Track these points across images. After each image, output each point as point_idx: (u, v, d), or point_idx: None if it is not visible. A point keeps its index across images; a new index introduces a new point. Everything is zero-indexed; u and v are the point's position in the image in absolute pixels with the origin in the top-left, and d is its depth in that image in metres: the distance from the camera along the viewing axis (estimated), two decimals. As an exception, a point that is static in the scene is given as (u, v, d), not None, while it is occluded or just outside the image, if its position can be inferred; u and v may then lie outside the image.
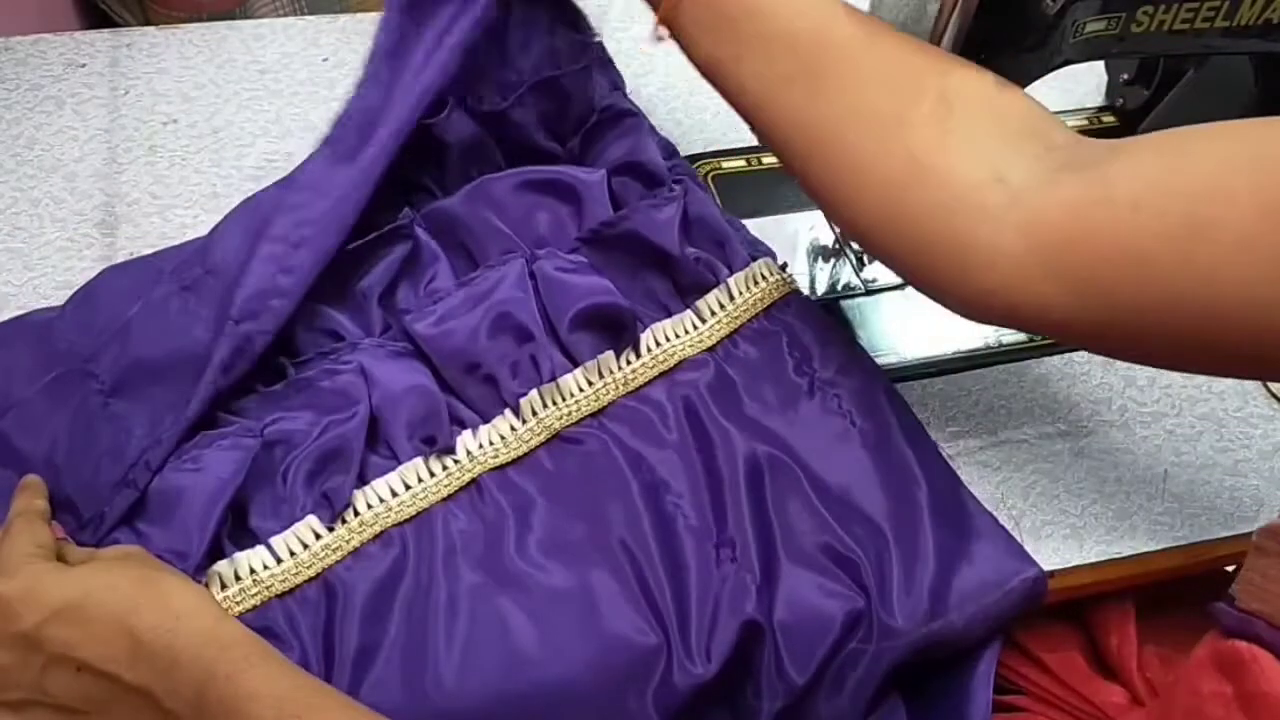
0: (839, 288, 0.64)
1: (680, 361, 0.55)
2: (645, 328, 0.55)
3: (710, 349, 0.55)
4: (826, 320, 0.58)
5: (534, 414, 0.52)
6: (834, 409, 0.54)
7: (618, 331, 0.54)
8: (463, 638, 0.46)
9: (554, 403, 0.53)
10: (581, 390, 0.53)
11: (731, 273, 0.57)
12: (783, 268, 0.59)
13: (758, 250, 0.59)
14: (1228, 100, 0.64)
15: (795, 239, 0.66)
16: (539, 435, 0.52)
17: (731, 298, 0.57)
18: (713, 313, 0.56)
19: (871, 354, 0.58)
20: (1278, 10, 0.54)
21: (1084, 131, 0.74)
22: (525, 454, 0.52)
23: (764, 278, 0.58)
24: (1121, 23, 0.53)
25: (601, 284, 0.54)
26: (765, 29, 0.48)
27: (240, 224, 0.55)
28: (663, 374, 0.54)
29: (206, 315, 0.52)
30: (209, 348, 0.50)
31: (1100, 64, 0.75)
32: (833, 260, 0.65)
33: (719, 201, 0.66)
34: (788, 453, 0.52)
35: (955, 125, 0.44)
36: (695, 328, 0.56)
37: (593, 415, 0.53)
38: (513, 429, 0.52)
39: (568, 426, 0.52)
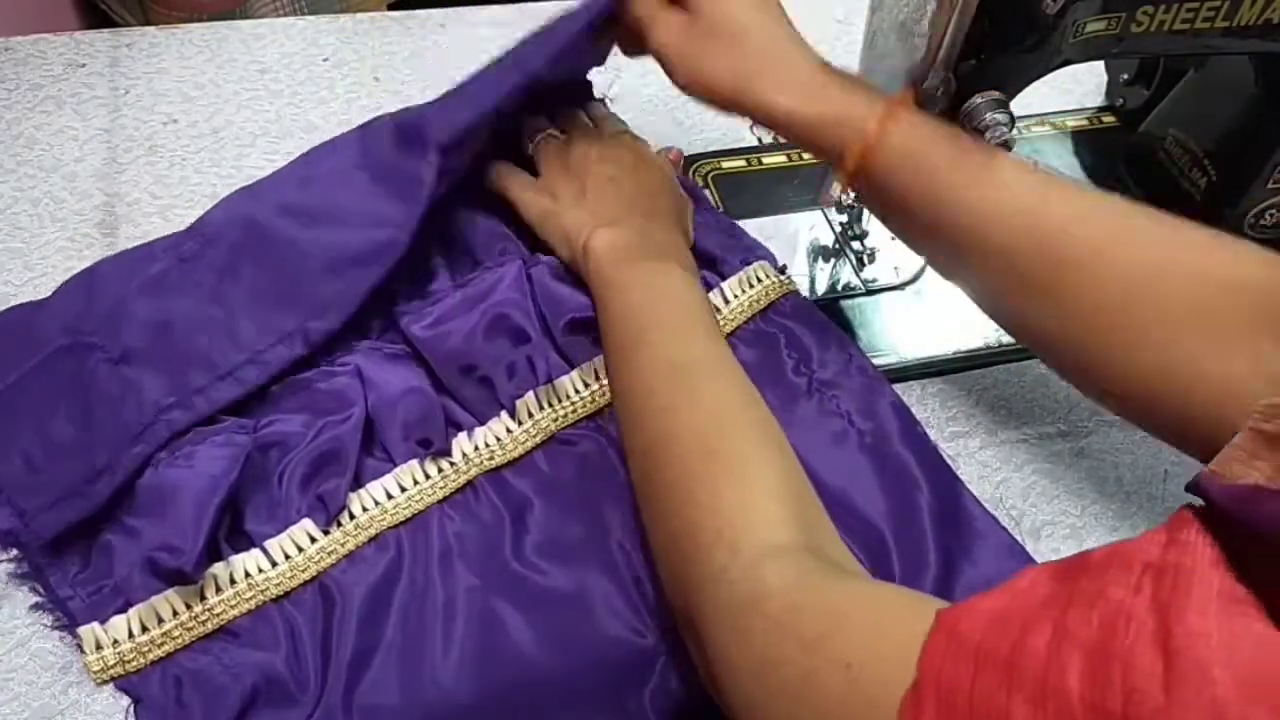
0: (839, 288, 0.63)
1: None
2: None
3: None
4: (825, 322, 0.58)
5: (530, 416, 0.52)
6: (832, 410, 0.54)
7: None
8: (460, 639, 0.46)
9: (550, 404, 0.53)
10: (578, 392, 0.53)
11: (725, 277, 0.57)
12: (782, 270, 0.59)
13: (755, 254, 0.59)
14: (1228, 100, 0.64)
15: (795, 239, 0.66)
16: (535, 437, 0.52)
17: (726, 300, 0.57)
18: None
19: (871, 354, 0.58)
20: (1278, 10, 0.53)
21: (1083, 131, 0.74)
22: (521, 456, 0.52)
23: (760, 280, 0.58)
24: (1121, 23, 0.53)
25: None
26: (979, 234, 0.45)
27: (242, 206, 0.56)
28: None
29: (206, 281, 0.53)
30: (224, 312, 0.52)
31: (1100, 64, 0.75)
32: (833, 260, 0.65)
33: (719, 201, 0.66)
34: None
35: (1211, 319, 0.41)
36: None
37: (589, 417, 0.53)
38: (509, 431, 0.52)
39: (564, 428, 0.52)
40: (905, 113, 0.46)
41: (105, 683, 0.45)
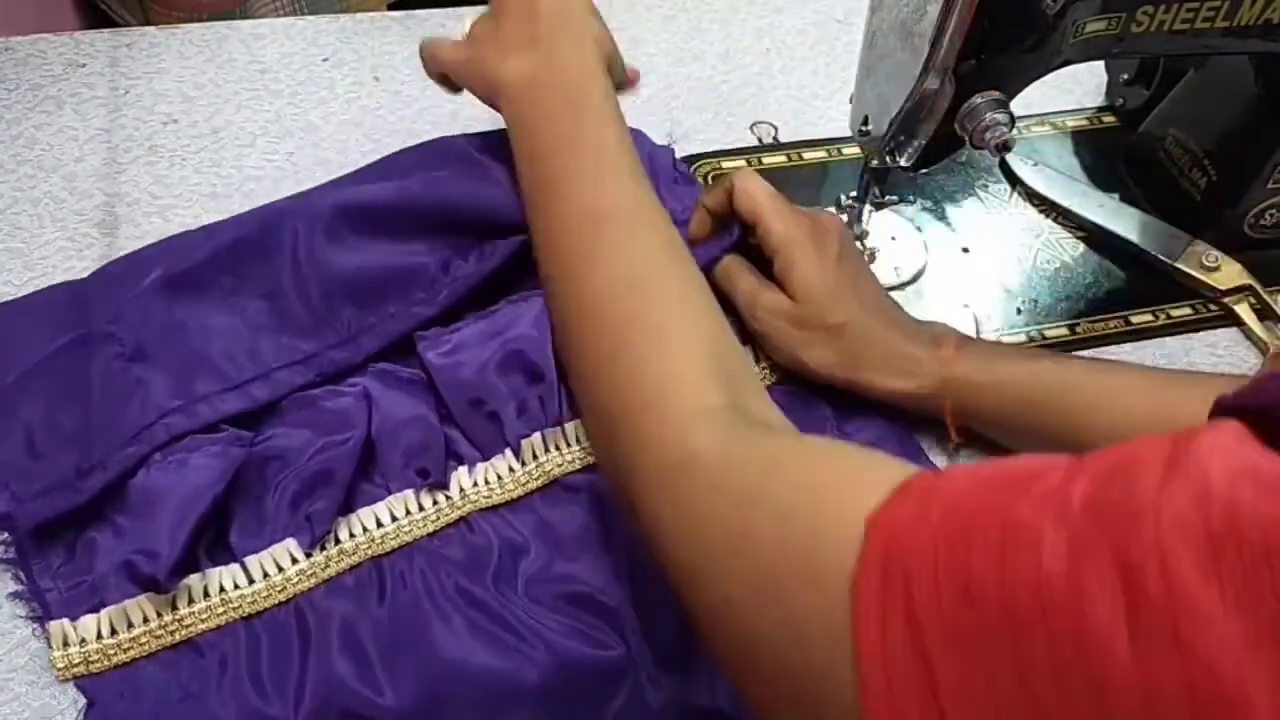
0: (839, 288, 0.63)
1: None
2: None
3: None
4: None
5: (534, 457, 0.51)
6: None
7: None
8: (435, 672, 0.44)
9: (557, 448, 0.51)
10: (588, 439, 0.51)
11: None
12: None
13: None
14: (1228, 100, 0.64)
15: (795, 239, 0.65)
16: (536, 479, 0.50)
17: (757, 360, 0.56)
18: None
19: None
20: (1278, 10, 0.53)
21: (1083, 131, 0.74)
22: (520, 497, 0.50)
23: None
24: (1121, 23, 0.53)
25: None
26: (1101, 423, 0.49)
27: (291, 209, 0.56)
28: None
29: (231, 288, 0.53)
30: (245, 324, 0.52)
31: (1100, 64, 0.75)
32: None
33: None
34: None
35: None
36: None
37: (595, 465, 0.51)
38: (511, 470, 0.50)
39: (568, 474, 0.51)
40: (962, 350, 0.52)
41: (67, 681, 0.44)
